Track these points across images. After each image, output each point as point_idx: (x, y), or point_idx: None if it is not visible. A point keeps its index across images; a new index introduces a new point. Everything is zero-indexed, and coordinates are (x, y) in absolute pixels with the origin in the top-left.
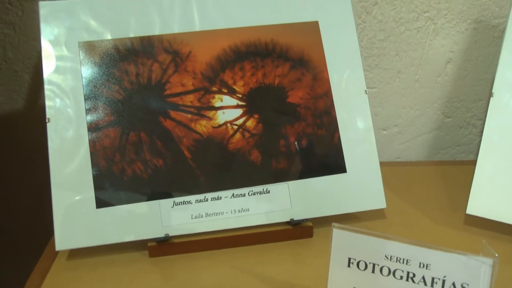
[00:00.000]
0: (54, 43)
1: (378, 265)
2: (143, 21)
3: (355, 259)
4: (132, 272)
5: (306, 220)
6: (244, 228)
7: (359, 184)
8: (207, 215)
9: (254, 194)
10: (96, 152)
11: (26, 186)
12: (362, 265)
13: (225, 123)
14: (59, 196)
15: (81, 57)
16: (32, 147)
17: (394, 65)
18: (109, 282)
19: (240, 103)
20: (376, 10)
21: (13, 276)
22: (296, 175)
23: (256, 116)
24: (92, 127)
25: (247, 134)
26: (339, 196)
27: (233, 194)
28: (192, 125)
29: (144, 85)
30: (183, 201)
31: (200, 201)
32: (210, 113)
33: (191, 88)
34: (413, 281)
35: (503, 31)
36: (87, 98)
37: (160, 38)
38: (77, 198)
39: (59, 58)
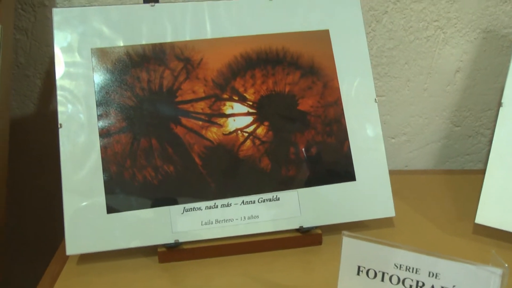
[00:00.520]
0: (67, 49)
1: (387, 273)
2: (155, 28)
3: (364, 267)
4: (141, 278)
5: (315, 227)
6: (253, 235)
7: (368, 192)
8: (217, 221)
9: (264, 201)
10: (107, 157)
11: (36, 191)
12: (371, 274)
13: (236, 130)
14: (70, 201)
15: (94, 64)
16: (42, 151)
17: (403, 74)
18: None
19: (251, 110)
20: (386, 18)
21: (24, 280)
22: (305, 182)
23: (266, 123)
24: (104, 133)
25: (257, 142)
26: (348, 204)
27: (243, 201)
28: (203, 132)
29: (155, 92)
30: (193, 208)
31: (210, 207)
32: (221, 120)
33: (202, 95)
34: None
35: None
36: (99, 104)
37: (172, 45)
38: (88, 203)
39: (71, 64)
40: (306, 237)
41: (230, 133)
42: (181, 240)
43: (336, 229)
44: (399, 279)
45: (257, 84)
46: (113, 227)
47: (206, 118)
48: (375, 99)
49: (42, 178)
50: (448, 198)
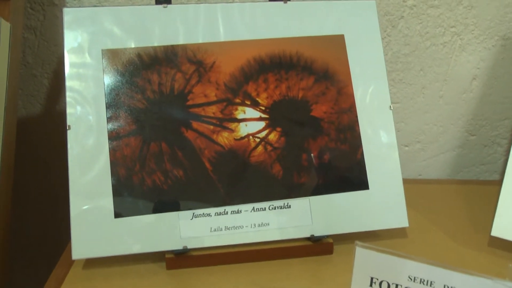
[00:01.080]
0: (77, 50)
1: (401, 286)
2: (168, 30)
3: (377, 279)
4: (148, 284)
5: (327, 236)
6: (263, 242)
7: (381, 201)
8: (226, 228)
9: (275, 208)
10: (116, 161)
11: (41, 192)
12: (384, 285)
13: (247, 135)
14: (77, 204)
15: (104, 65)
16: (48, 152)
17: (419, 81)
18: None
19: (263, 115)
20: (402, 24)
21: (27, 284)
22: (317, 190)
23: (278, 129)
24: (113, 136)
25: (269, 147)
26: (360, 213)
27: (253, 208)
28: (214, 136)
29: (166, 95)
30: (203, 214)
31: (220, 214)
32: (233, 125)
33: (214, 99)
34: None
35: None
36: (108, 106)
37: (184, 47)
38: (95, 207)
39: (81, 65)
40: (317, 246)
41: (242, 138)
42: (189, 246)
43: (347, 239)
44: None
45: (270, 88)
46: (120, 232)
47: (218, 123)
48: (390, 106)
49: (48, 179)
50: (462, 209)
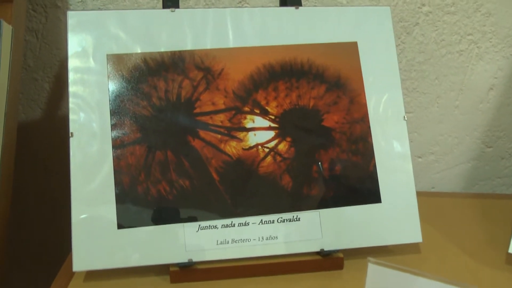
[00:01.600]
0: (81, 54)
1: None
2: (175, 35)
3: None
4: None
5: (337, 251)
6: (271, 256)
7: (394, 215)
8: (233, 241)
9: (284, 221)
10: (120, 169)
11: (41, 201)
12: None
13: (256, 145)
14: (79, 214)
15: (109, 70)
16: (49, 159)
17: (433, 90)
18: None
19: (273, 125)
20: (416, 30)
21: None
22: (328, 203)
23: (288, 139)
24: (117, 144)
25: (278, 158)
26: (372, 227)
27: (262, 220)
28: (222, 146)
29: (173, 102)
30: (209, 226)
31: (227, 226)
32: (241, 134)
33: (222, 107)
34: None
35: None
36: (113, 113)
37: (191, 53)
38: (98, 217)
39: (85, 70)
40: (327, 261)
41: (250, 148)
42: (194, 259)
43: (358, 253)
44: None
45: (280, 97)
46: (123, 244)
47: (226, 132)
48: (404, 117)
49: (48, 187)
50: (478, 224)
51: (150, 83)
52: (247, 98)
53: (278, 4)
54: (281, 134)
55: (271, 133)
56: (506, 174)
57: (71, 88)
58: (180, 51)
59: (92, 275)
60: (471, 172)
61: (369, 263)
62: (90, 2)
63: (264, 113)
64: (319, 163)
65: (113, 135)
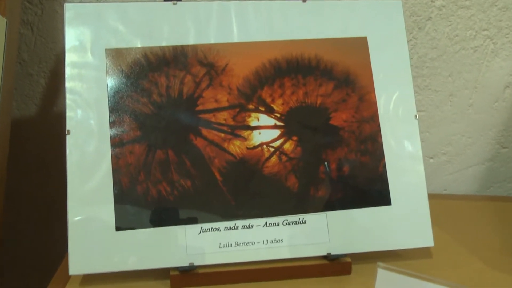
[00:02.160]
0: (79, 48)
1: None
2: (177, 29)
3: None
4: None
5: (345, 255)
6: (276, 260)
7: (404, 218)
8: (236, 244)
9: (289, 223)
10: (119, 169)
11: (35, 201)
12: None
13: (261, 144)
14: (75, 215)
15: (108, 65)
16: (44, 158)
17: (446, 87)
18: None
19: (278, 123)
20: (429, 25)
21: None
22: (335, 205)
23: (295, 138)
24: (116, 142)
25: (284, 158)
26: (382, 231)
27: (266, 222)
28: (225, 145)
29: (174, 99)
30: (211, 228)
31: (230, 228)
32: (245, 133)
33: (226, 104)
34: None
35: None
36: (111, 110)
37: (194, 48)
38: (95, 218)
39: (83, 65)
40: (334, 266)
41: (255, 147)
42: (196, 263)
43: (367, 258)
44: None
45: (286, 94)
46: (121, 246)
47: (229, 130)
48: (416, 116)
49: (43, 187)
50: (492, 228)
51: (150, 79)
52: (251, 95)
53: None
54: (287, 133)
55: (277, 132)
56: None
57: (68, 84)
58: (182, 46)
59: (88, 279)
60: (485, 174)
61: (379, 268)
62: None
63: (270, 111)
64: (326, 163)
65: (111, 133)
